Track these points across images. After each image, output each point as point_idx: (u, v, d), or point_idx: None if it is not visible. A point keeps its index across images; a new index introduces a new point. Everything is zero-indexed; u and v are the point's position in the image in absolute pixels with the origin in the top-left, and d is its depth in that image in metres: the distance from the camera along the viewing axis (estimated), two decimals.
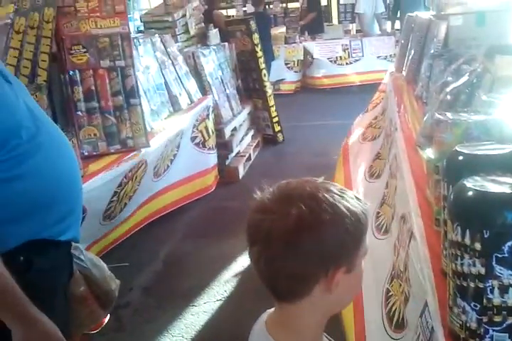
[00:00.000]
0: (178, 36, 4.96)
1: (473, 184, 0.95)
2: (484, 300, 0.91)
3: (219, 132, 4.52)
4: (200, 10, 5.71)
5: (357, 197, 0.90)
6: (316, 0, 8.53)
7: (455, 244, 0.95)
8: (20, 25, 3.01)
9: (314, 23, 8.40)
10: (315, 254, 0.84)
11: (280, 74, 8.03)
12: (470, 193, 0.93)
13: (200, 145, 4.12)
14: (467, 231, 0.91)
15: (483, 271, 0.89)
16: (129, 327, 2.62)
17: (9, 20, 3.05)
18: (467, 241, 0.91)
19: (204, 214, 3.96)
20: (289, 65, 8.12)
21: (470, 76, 1.95)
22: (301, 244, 0.83)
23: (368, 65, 7.88)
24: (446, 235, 1.07)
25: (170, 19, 4.97)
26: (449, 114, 1.48)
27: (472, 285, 0.92)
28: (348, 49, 7.99)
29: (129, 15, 3.43)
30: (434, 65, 2.61)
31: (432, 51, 2.94)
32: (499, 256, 0.88)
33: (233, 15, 9.73)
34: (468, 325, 0.94)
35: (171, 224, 3.71)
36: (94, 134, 3.00)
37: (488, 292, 0.90)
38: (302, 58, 8.14)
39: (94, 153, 2.97)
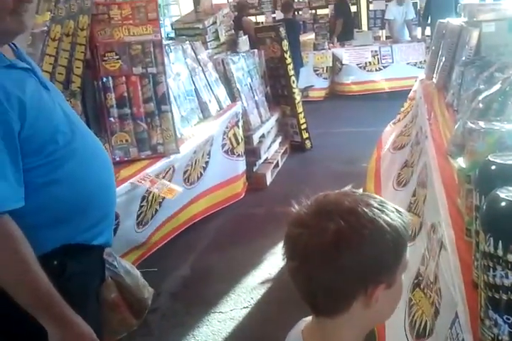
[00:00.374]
0: (209, 43, 5.04)
1: (507, 194, 0.93)
2: None
3: (247, 139, 4.54)
4: (231, 17, 5.78)
5: (397, 210, 0.88)
6: (344, 6, 8.51)
7: (487, 255, 0.94)
8: (56, 32, 3.09)
9: (343, 29, 8.38)
10: (354, 271, 0.82)
11: (309, 80, 8.04)
12: (503, 204, 0.92)
13: (229, 153, 4.15)
14: (500, 243, 0.90)
15: None
16: (157, 331, 2.65)
17: (45, 28, 3.14)
18: (500, 252, 0.90)
19: (232, 221, 3.98)
20: (317, 72, 8.11)
21: (503, 84, 1.93)
22: (340, 260, 0.82)
23: (398, 72, 7.81)
24: (478, 246, 1.06)
25: (200, 26, 5.05)
26: (481, 123, 1.46)
27: (504, 297, 0.90)
28: (377, 55, 7.94)
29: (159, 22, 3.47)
30: (466, 73, 2.58)
31: (464, 58, 2.91)
32: None
33: (262, 22, 9.78)
34: (500, 338, 0.92)
35: (200, 231, 3.73)
36: (126, 140, 3.05)
37: None
38: (331, 65, 8.12)
39: (126, 159, 3.02)
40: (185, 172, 3.47)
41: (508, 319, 0.90)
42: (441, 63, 3.31)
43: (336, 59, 8.09)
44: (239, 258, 3.34)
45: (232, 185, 4.20)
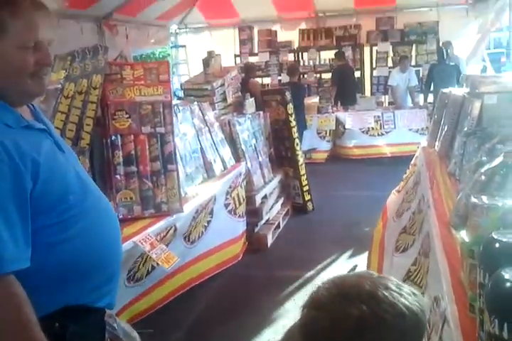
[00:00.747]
0: (216, 104, 5.16)
1: None
2: None
3: (250, 199, 4.55)
4: (238, 79, 5.95)
5: (414, 293, 0.89)
6: (345, 72, 8.69)
7: (492, 336, 0.93)
8: (70, 90, 3.16)
9: (346, 94, 8.58)
10: None
11: (312, 143, 8.16)
12: (508, 285, 0.92)
13: (232, 213, 4.16)
14: (505, 325, 0.89)
15: None
16: None
17: (59, 86, 3.23)
18: (505, 335, 0.89)
19: (231, 283, 3.92)
20: (321, 134, 8.26)
21: (505, 157, 1.96)
22: None
23: (400, 137, 7.93)
24: (482, 324, 1.05)
25: (209, 88, 5.19)
26: (484, 198, 1.48)
27: None
28: (380, 120, 8.10)
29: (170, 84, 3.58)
30: (468, 143, 2.62)
31: (466, 128, 2.95)
32: None
33: (268, 84, 10.05)
34: None
35: (197, 291, 3.67)
36: (131, 198, 3.06)
37: None
38: (334, 128, 8.27)
39: (129, 217, 3.02)
40: (185, 232, 3.46)
41: None
42: (444, 132, 3.38)
43: (339, 122, 8.25)
44: (238, 323, 3.26)
45: (232, 246, 4.17)
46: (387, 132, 8.07)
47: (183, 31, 10.93)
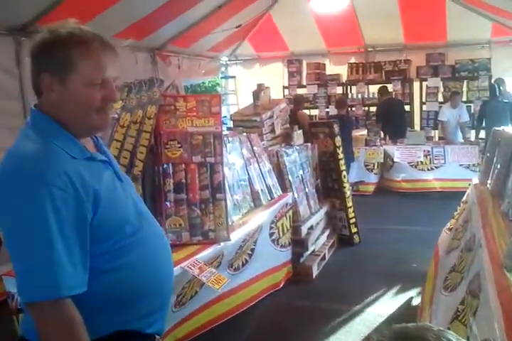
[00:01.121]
0: (264, 135, 5.21)
1: None
2: None
3: (296, 229, 4.55)
4: (287, 111, 6.01)
5: None
6: (382, 110, 8.67)
7: None
8: (125, 120, 3.30)
9: (394, 127, 8.51)
10: None
11: (359, 175, 8.11)
12: None
13: (276, 242, 4.17)
14: None
15: None
16: None
17: (116, 115, 3.37)
18: None
19: (274, 312, 3.90)
20: (368, 167, 8.20)
21: None
22: None
23: (450, 173, 7.77)
24: None
25: (258, 119, 5.26)
26: None
27: None
28: (429, 155, 7.98)
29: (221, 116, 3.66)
30: None
31: None
32: None
33: (316, 115, 10.13)
34: None
35: (240, 320, 3.66)
36: (180, 224, 3.13)
37: None
38: (382, 161, 8.21)
39: (178, 243, 3.08)
40: (230, 259, 3.49)
41: None
42: (497, 170, 3.32)
43: (387, 156, 8.19)
44: None
45: (273, 274, 4.17)
46: (436, 167, 7.93)
47: (233, 62, 11.20)
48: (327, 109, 10.08)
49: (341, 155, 5.54)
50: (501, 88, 8.11)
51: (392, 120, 8.36)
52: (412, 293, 4.05)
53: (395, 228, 6.09)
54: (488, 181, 3.51)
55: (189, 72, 9.17)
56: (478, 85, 9.14)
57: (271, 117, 5.44)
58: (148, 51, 7.85)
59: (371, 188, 8.17)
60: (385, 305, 3.88)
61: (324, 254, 4.95)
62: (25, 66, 5.24)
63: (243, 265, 3.70)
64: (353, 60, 10.24)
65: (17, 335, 1.49)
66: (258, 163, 4.41)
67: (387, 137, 8.67)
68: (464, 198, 3.94)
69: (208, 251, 3.06)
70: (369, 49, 10.13)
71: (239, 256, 3.62)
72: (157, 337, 1.51)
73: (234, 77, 11.28)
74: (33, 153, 1.30)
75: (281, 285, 4.25)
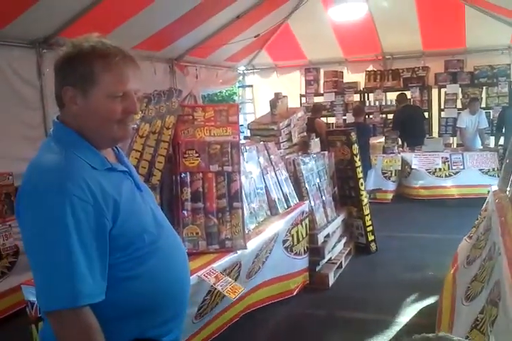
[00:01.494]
0: (281, 144, 5.24)
1: None
2: None
3: (312, 237, 4.55)
4: (304, 120, 6.03)
5: None
6: (399, 117, 8.65)
7: None
8: (144, 130, 3.35)
9: (412, 135, 8.47)
10: None
11: (377, 182, 8.08)
12: None
13: (288, 250, 4.17)
14: None
15: None
16: None
17: (135, 126, 3.43)
18: None
19: (289, 320, 3.90)
20: (386, 175, 8.16)
21: None
22: None
23: (469, 179, 7.72)
24: None
25: (275, 128, 5.29)
26: None
27: None
28: (448, 161, 7.93)
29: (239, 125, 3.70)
30: None
31: None
32: None
33: (333, 123, 10.12)
34: None
35: (255, 327, 3.68)
36: (197, 233, 3.16)
37: None
38: (400, 168, 8.17)
39: (194, 251, 3.10)
40: (249, 268, 3.50)
41: None
42: None
43: (405, 163, 8.15)
44: None
45: (285, 282, 4.17)
46: (455, 173, 7.87)
47: (250, 72, 11.27)
48: (344, 117, 10.07)
49: (358, 163, 5.53)
50: None
51: (411, 127, 8.32)
52: (430, 301, 4.01)
53: (412, 236, 6.06)
54: (508, 188, 3.48)
55: (207, 81, 9.26)
56: (497, 91, 9.08)
57: (288, 126, 5.47)
58: (166, 62, 7.95)
59: (389, 196, 8.13)
60: (402, 314, 3.86)
61: (341, 262, 4.94)
62: (46, 78, 5.36)
63: (256, 272, 3.72)
64: (370, 67, 10.24)
65: None
66: (275, 171, 4.43)
67: (405, 144, 8.63)
68: (484, 206, 3.91)
69: (225, 260, 3.08)
70: (387, 56, 10.12)
71: (255, 265, 3.64)
72: None
73: (251, 86, 11.34)
74: (55, 164, 1.33)
75: (294, 293, 4.23)
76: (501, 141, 8.09)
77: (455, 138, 9.32)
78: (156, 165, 3.29)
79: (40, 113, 5.51)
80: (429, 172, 7.98)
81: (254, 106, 11.25)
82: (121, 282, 1.36)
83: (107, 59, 1.37)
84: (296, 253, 4.27)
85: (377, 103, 9.97)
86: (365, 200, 5.55)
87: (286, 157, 4.96)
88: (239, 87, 11.99)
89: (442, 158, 7.95)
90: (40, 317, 2.33)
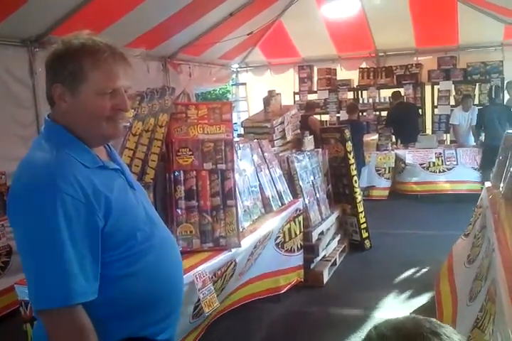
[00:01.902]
0: (275, 141, 5.22)
1: None
2: None
3: (306, 235, 4.54)
4: (298, 117, 6.02)
5: None
6: (393, 115, 8.67)
7: None
8: (137, 128, 3.31)
9: (406, 132, 8.49)
10: None
11: (370, 180, 8.10)
12: None
13: (279, 246, 4.15)
14: None
15: None
16: None
17: (128, 124, 3.40)
18: None
19: (283, 318, 3.91)
20: (379, 172, 8.17)
21: None
22: None
23: (462, 174, 7.76)
24: None
25: (268, 125, 5.27)
26: None
27: None
28: (441, 156, 7.95)
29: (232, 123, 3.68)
30: None
31: None
32: None
33: (327, 121, 10.12)
34: None
35: (250, 325, 3.68)
36: (190, 231, 3.14)
37: None
38: (393, 165, 8.18)
39: (189, 249, 3.08)
40: (244, 266, 3.49)
41: None
42: (509, 173, 3.29)
43: (398, 159, 8.16)
44: None
45: (273, 278, 4.12)
46: (448, 168, 7.90)
47: (243, 69, 11.24)
48: (338, 114, 10.07)
49: (352, 160, 5.53)
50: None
51: (404, 124, 8.34)
52: (424, 297, 4.02)
53: (405, 232, 6.08)
54: (501, 185, 3.49)
55: (200, 79, 9.23)
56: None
57: (282, 123, 5.45)
58: (159, 59, 7.92)
59: (383, 193, 8.14)
60: (396, 311, 3.85)
61: (335, 260, 4.94)
62: (39, 77, 5.32)
63: (248, 269, 3.71)
64: (364, 64, 10.24)
65: None
66: (269, 169, 4.42)
67: (399, 141, 8.64)
68: (478, 203, 3.92)
69: (219, 258, 3.06)
70: (380, 54, 10.12)
71: (249, 262, 3.63)
72: None
73: (245, 83, 11.32)
74: (45, 162, 1.32)
75: (283, 290, 4.17)
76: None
77: (448, 134, 9.33)
78: (149, 164, 3.26)
79: (33, 112, 5.47)
80: (423, 168, 8.00)
81: (248, 104, 11.22)
82: (114, 280, 1.35)
83: (96, 55, 1.35)
84: (287, 250, 4.25)
85: (370, 100, 9.96)
86: (359, 198, 5.56)
87: (280, 154, 4.95)
88: (232, 85, 11.96)
89: (436, 153, 7.97)
90: (34, 316, 2.31)
